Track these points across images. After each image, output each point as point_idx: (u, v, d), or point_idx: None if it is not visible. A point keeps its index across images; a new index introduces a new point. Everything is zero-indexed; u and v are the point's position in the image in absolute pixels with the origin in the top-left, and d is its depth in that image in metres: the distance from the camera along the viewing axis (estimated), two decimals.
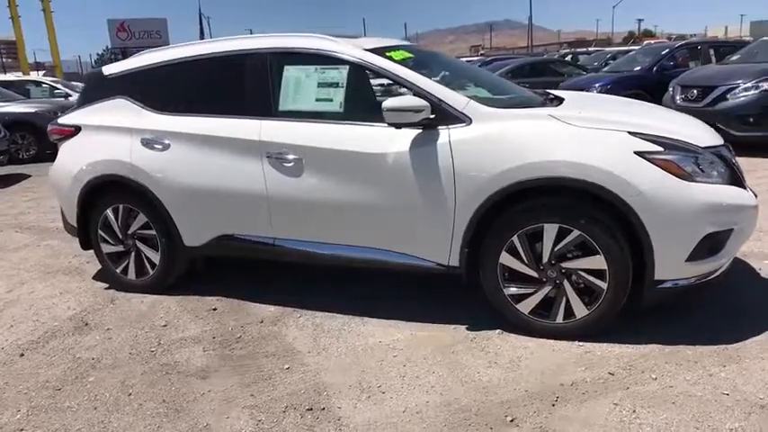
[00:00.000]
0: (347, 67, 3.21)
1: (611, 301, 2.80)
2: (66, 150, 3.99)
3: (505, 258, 2.93)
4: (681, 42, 11.31)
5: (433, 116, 2.92)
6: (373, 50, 3.27)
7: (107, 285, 4.14)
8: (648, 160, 2.67)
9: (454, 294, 3.53)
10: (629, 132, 2.76)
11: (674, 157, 2.69)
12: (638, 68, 9.90)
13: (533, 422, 2.32)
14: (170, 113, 3.61)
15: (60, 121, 4.07)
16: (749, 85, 6.92)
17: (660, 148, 2.70)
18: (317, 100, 3.26)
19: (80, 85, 16.34)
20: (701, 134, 2.97)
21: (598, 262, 2.77)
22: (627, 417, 2.30)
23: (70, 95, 13.97)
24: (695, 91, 7.48)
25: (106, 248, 3.99)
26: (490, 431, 2.29)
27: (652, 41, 45.35)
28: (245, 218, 3.47)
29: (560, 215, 2.80)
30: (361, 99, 3.52)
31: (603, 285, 2.80)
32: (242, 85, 3.45)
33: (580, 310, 2.87)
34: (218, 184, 3.45)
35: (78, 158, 3.87)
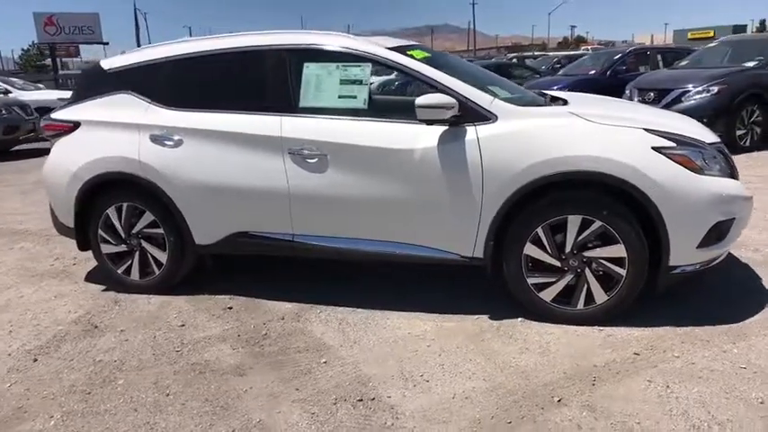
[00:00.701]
0: (370, 64, 3.26)
1: (630, 286, 3.00)
2: (63, 147, 3.82)
3: (530, 249, 3.07)
4: (631, 48, 12.02)
5: (459, 114, 3.03)
6: (394, 49, 3.34)
7: (104, 287, 3.99)
8: (665, 155, 2.88)
9: (469, 285, 3.66)
10: (645, 129, 2.96)
11: (687, 152, 2.92)
12: (593, 72, 10.44)
13: (579, 401, 2.46)
14: (182, 109, 3.53)
15: (55, 116, 3.89)
16: (701, 88, 7.46)
17: (673, 144, 2.92)
18: (340, 97, 3.29)
19: (19, 81, 15.43)
20: (701, 131, 3.22)
21: (618, 250, 2.96)
22: (663, 392, 2.49)
23: (10, 92, 13.16)
24: (652, 93, 7.97)
25: (107, 249, 3.85)
26: (541, 411, 2.41)
27: (589, 47, 47.63)
28: (263, 214, 3.45)
29: (584, 207, 2.96)
30: (386, 95, 3.57)
31: (623, 272, 2.98)
32: (260, 81, 3.43)
33: (600, 297, 3.05)
34: (235, 180, 3.41)
35: (78, 155, 3.72)
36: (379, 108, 3.33)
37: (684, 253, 2.94)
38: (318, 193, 3.29)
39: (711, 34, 61.87)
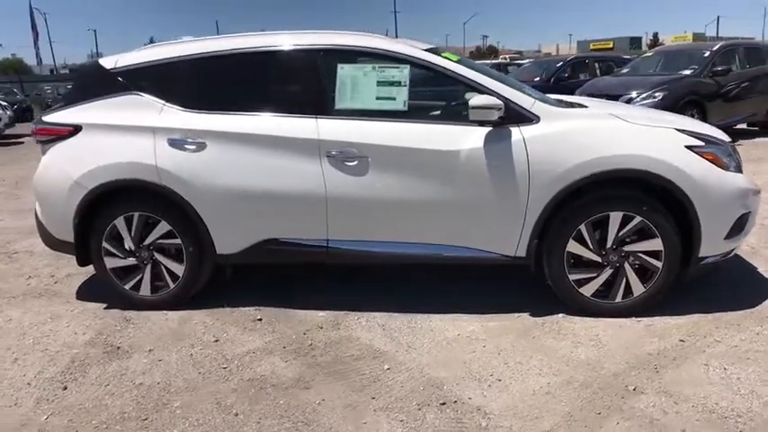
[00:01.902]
0: (408, 66, 3.24)
1: (665, 277, 3.17)
2: (61, 153, 3.47)
3: (572, 246, 3.17)
4: (572, 56, 12.74)
5: (504, 115, 3.08)
6: (428, 51, 3.34)
7: (105, 305, 3.67)
8: (696, 153, 3.08)
9: (499, 284, 3.73)
10: (677, 129, 3.16)
11: (714, 150, 3.14)
12: (538, 79, 10.96)
13: (654, 387, 2.57)
14: (204, 111, 3.33)
15: (49, 119, 3.53)
16: (646, 94, 8.03)
17: (702, 143, 3.13)
18: (378, 98, 3.24)
19: None
20: (716, 131, 3.47)
21: (656, 244, 3.12)
22: (723, 374, 2.65)
23: None
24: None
25: (112, 263, 3.54)
26: (623, 400, 2.49)
27: (507, 56, 49.88)
28: (295, 220, 3.32)
29: (625, 204, 3.10)
30: (424, 98, 3.56)
31: (659, 264, 3.15)
32: (292, 82, 3.32)
33: (638, 289, 3.20)
34: (267, 185, 3.26)
35: (79, 162, 3.40)
36: (419, 109, 3.31)
37: (713, 244, 3.15)
38: (358, 197, 3.21)
39: (611, 45, 66.86)
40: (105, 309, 3.64)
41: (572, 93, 8.67)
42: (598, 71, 11.05)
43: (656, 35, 73.15)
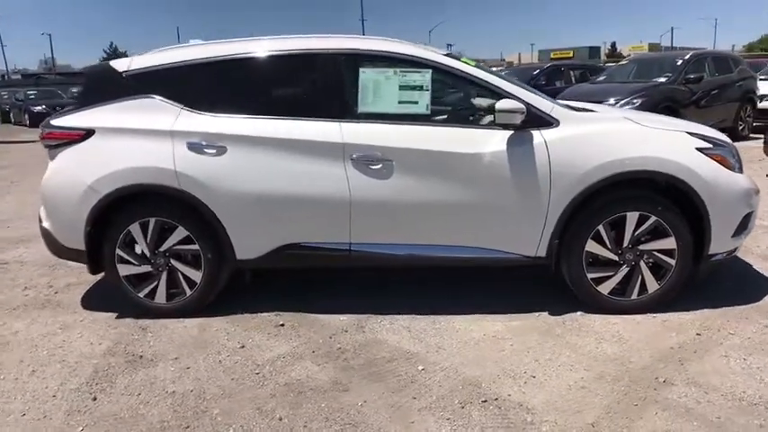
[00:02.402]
0: (430, 70, 3.29)
1: (679, 274, 3.30)
2: (72, 157, 3.38)
3: (591, 245, 3.27)
4: (548, 64, 13.07)
5: (526, 119, 3.16)
6: (447, 56, 3.40)
7: (116, 314, 3.58)
8: (707, 155, 3.23)
9: (512, 284, 3.80)
10: (688, 132, 3.30)
11: (722, 152, 3.30)
12: None
13: (682, 379, 2.67)
14: (223, 115, 3.30)
15: (59, 123, 3.43)
16: (625, 101, 8.31)
17: (710, 145, 3.29)
18: (401, 102, 3.28)
19: None
20: (720, 134, 3.63)
21: (670, 242, 3.25)
22: (743, 364, 2.78)
23: None
24: None
25: (126, 270, 3.46)
26: (656, 392, 2.58)
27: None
28: (318, 224, 3.32)
29: (641, 204, 3.22)
30: (444, 102, 3.60)
31: (672, 262, 3.28)
32: (314, 85, 3.33)
33: (652, 286, 3.32)
34: (289, 189, 3.25)
35: (93, 167, 3.32)
36: (441, 113, 3.36)
37: (722, 242, 3.30)
38: (382, 200, 3.24)
39: (571, 54, 68.68)
40: (117, 318, 3.54)
41: None
42: (573, 79, 11.38)
43: (614, 45, 75.62)
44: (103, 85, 3.50)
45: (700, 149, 3.23)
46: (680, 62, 9.04)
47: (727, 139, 3.52)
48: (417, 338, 3.17)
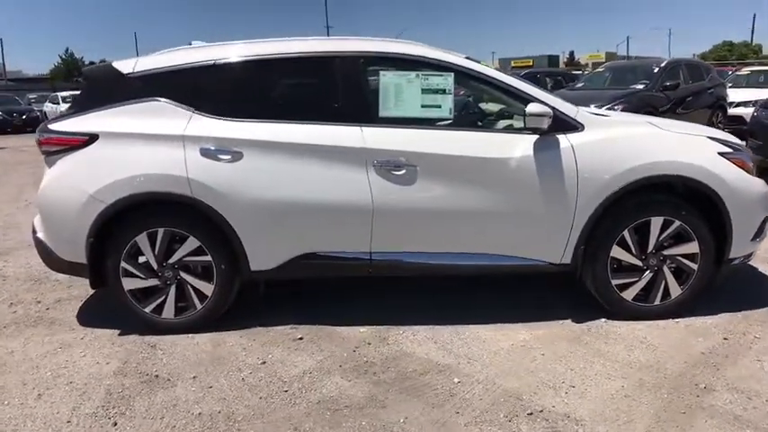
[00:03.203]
0: (452, 74, 3.21)
1: (701, 279, 3.30)
2: (73, 164, 3.16)
3: (616, 251, 3.24)
4: (524, 72, 13.22)
5: (552, 123, 3.11)
6: (468, 59, 3.34)
7: (119, 331, 3.36)
8: (728, 159, 3.25)
9: (528, 292, 3.74)
10: (708, 137, 3.32)
11: (742, 156, 3.32)
12: None
13: (722, 384, 2.65)
14: (238, 119, 3.14)
15: (58, 128, 3.20)
16: (607, 107, 8.44)
17: (731, 150, 3.31)
18: (423, 106, 3.19)
19: None
20: (735, 138, 3.66)
21: (693, 247, 3.25)
22: None
23: None
24: None
25: (131, 284, 3.25)
26: (699, 399, 2.55)
27: None
28: (338, 232, 3.19)
29: (665, 209, 3.21)
30: (467, 106, 3.53)
31: (695, 267, 3.28)
32: (334, 88, 3.20)
33: (675, 291, 3.31)
34: (308, 196, 3.11)
35: (97, 174, 3.11)
36: (466, 117, 3.29)
37: (742, 246, 3.32)
38: (406, 207, 3.13)
39: (531, 63, 70.23)
40: (120, 335, 3.32)
41: None
42: (549, 86, 11.55)
43: (572, 54, 77.55)
44: (106, 88, 3.29)
45: (721, 154, 3.25)
46: (656, 69, 9.26)
47: (741, 144, 3.56)
48: (445, 349, 3.07)
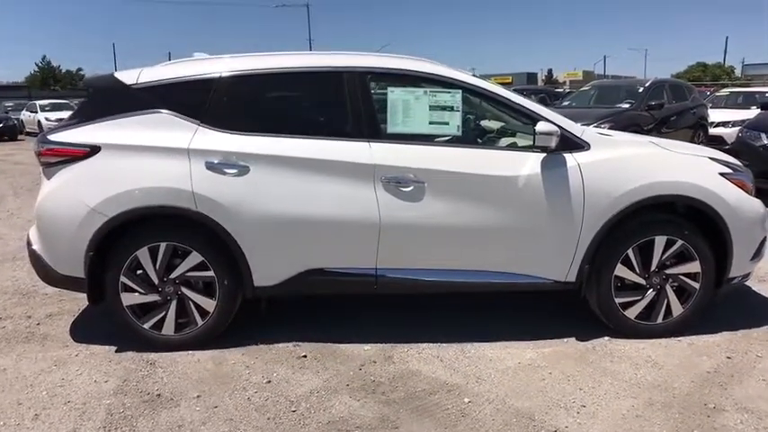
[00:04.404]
0: (460, 91, 3.22)
1: (702, 297, 3.34)
2: (74, 176, 3.08)
3: (620, 270, 3.26)
4: (511, 89, 13.40)
5: (559, 142, 3.13)
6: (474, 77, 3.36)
7: (115, 348, 3.26)
8: (729, 180, 3.30)
9: (530, 310, 3.75)
10: (710, 158, 3.38)
11: (742, 177, 3.38)
12: None
13: (731, 404, 2.66)
14: (245, 133, 3.10)
15: (59, 139, 3.12)
16: (595, 125, 8.55)
17: (731, 171, 3.37)
18: (431, 123, 3.19)
19: None
20: (734, 159, 3.73)
21: (695, 266, 3.29)
22: None
23: None
24: None
25: (130, 300, 3.17)
26: (710, 419, 2.56)
27: None
28: (345, 248, 3.15)
29: (668, 228, 3.25)
30: (474, 123, 3.53)
31: (697, 286, 3.32)
32: (340, 104, 3.18)
33: (677, 310, 3.34)
34: (316, 211, 3.08)
35: (98, 187, 3.04)
36: (473, 134, 3.30)
37: (741, 265, 3.37)
38: (412, 223, 3.12)
39: (510, 80, 71.22)
40: (117, 351, 3.23)
41: None
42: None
43: (550, 71, 78.87)
44: (108, 99, 3.22)
45: (722, 174, 3.31)
46: (641, 89, 9.45)
47: (740, 164, 3.63)
48: (452, 368, 3.04)
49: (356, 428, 2.51)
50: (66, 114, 21.31)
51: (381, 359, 3.14)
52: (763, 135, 6.69)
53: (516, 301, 3.85)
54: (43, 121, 20.85)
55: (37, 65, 58.03)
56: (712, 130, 10.72)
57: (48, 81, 52.96)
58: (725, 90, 14.52)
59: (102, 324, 3.56)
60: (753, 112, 11.25)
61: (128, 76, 3.23)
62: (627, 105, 9.20)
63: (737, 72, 58.76)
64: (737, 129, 10.52)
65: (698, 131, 10.39)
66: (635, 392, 2.79)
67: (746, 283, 4.20)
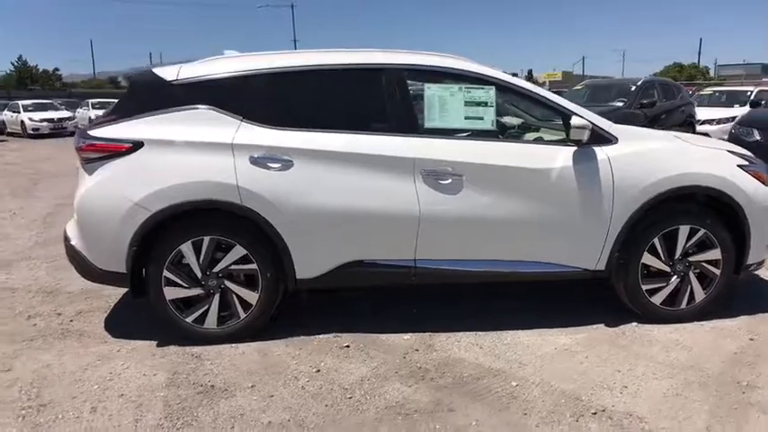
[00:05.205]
0: (493, 87, 3.33)
1: (723, 284, 3.50)
2: (116, 172, 3.10)
3: (646, 258, 3.40)
4: None
5: (590, 136, 3.26)
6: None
7: (156, 341, 3.29)
8: (746, 171, 3.47)
9: (551, 298, 3.87)
10: (728, 151, 3.54)
11: (758, 168, 3.55)
12: None
13: (763, 381, 2.81)
14: (287, 128, 3.16)
15: (101, 134, 3.13)
16: None
17: (747, 162, 3.53)
18: (467, 118, 3.29)
19: None
20: (748, 152, 3.90)
21: (716, 254, 3.44)
22: None
23: None
24: None
25: (173, 294, 3.20)
26: (746, 395, 2.70)
27: None
28: (385, 240, 3.23)
29: (691, 218, 3.40)
30: (506, 117, 3.64)
31: (717, 272, 3.47)
32: (380, 99, 3.25)
33: (700, 295, 3.49)
34: (357, 204, 3.15)
35: (141, 182, 3.06)
36: (506, 129, 3.40)
37: (757, 252, 3.54)
38: (450, 216, 3.21)
39: None
40: (158, 346, 3.26)
41: None
42: None
43: (530, 72, 79.78)
44: (148, 95, 3.25)
45: (740, 166, 3.47)
46: (633, 88, 9.71)
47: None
48: (493, 355, 3.14)
49: (414, 412, 2.59)
50: (51, 114, 21.17)
51: (423, 347, 3.23)
52: (756, 131, 6.96)
53: (542, 290, 3.97)
54: (27, 122, 20.58)
55: (13, 64, 56.69)
56: (698, 128, 11.04)
57: (24, 81, 51.74)
58: (708, 89, 14.96)
59: (136, 320, 3.58)
60: (735, 110, 11.66)
61: (167, 72, 3.26)
62: (620, 104, 9.43)
63: (712, 72, 60.24)
64: (721, 126, 10.91)
65: (686, 129, 10.68)
66: (670, 373, 2.92)
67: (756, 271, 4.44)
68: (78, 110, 26.14)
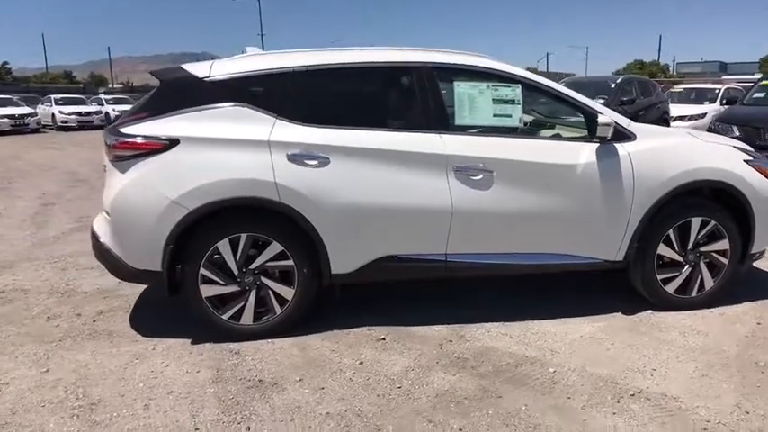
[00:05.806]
0: (519, 85, 3.45)
1: (730, 273, 3.72)
2: (150, 170, 3.09)
3: (661, 249, 3.59)
4: None
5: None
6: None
7: (190, 339, 3.30)
8: (751, 166, 3.69)
9: (566, 287, 4.03)
10: (734, 147, 3.75)
11: (761, 163, 3.78)
12: None
13: None
14: (323, 125, 3.20)
15: (135, 131, 3.11)
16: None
17: (751, 157, 3.76)
18: (495, 115, 3.40)
19: None
20: (750, 147, 4.13)
21: (724, 244, 3.66)
22: None
23: None
24: None
25: (209, 291, 3.22)
26: (764, 374, 2.90)
27: None
28: (417, 235, 3.32)
29: (703, 210, 3.60)
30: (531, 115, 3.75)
31: (725, 261, 3.69)
32: (411, 97, 3.34)
33: (709, 284, 3.71)
34: (392, 200, 3.23)
35: (177, 180, 3.07)
36: (531, 126, 3.52)
37: (761, 242, 3.77)
38: (481, 211, 3.32)
39: None
40: (193, 343, 3.27)
41: None
42: None
43: None
44: (180, 92, 3.24)
45: (746, 161, 3.69)
46: (613, 85, 10.03)
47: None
48: (524, 343, 3.27)
49: (465, 399, 2.69)
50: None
51: (456, 338, 3.33)
52: (735, 128, 7.30)
53: (555, 281, 4.13)
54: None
55: None
56: (672, 124, 11.47)
57: None
58: (679, 87, 15.53)
59: (162, 318, 3.59)
60: (705, 107, 12.17)
61: (199, 70, 3.26)
62: (601, 101, 9.72)
63: (672, 70, 62.30)
64: (693, 122, 11.36)
65: (661, 125, 11.10)
66: (692, 356, 3.10)
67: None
68: (40, 106, 25.42)
